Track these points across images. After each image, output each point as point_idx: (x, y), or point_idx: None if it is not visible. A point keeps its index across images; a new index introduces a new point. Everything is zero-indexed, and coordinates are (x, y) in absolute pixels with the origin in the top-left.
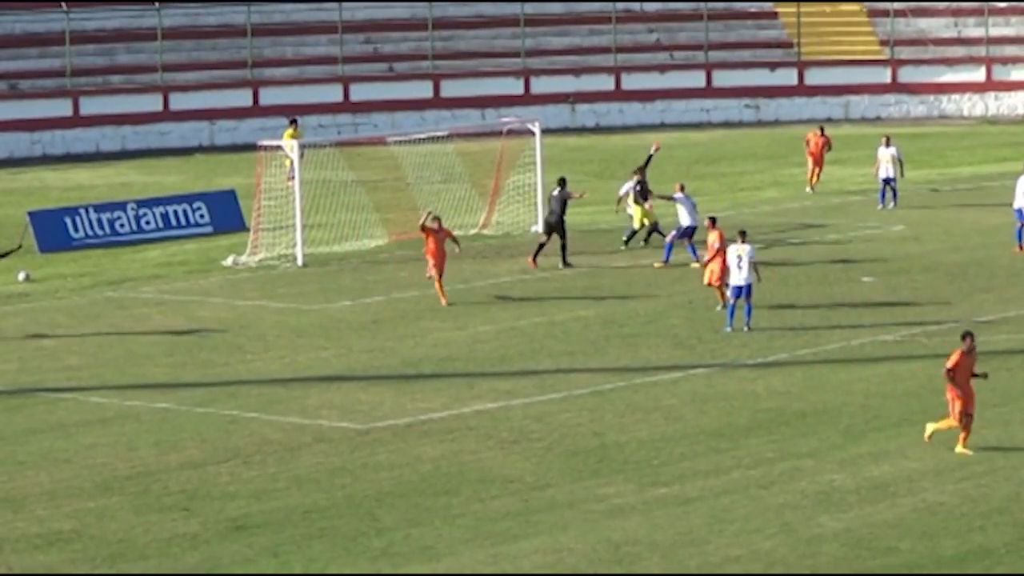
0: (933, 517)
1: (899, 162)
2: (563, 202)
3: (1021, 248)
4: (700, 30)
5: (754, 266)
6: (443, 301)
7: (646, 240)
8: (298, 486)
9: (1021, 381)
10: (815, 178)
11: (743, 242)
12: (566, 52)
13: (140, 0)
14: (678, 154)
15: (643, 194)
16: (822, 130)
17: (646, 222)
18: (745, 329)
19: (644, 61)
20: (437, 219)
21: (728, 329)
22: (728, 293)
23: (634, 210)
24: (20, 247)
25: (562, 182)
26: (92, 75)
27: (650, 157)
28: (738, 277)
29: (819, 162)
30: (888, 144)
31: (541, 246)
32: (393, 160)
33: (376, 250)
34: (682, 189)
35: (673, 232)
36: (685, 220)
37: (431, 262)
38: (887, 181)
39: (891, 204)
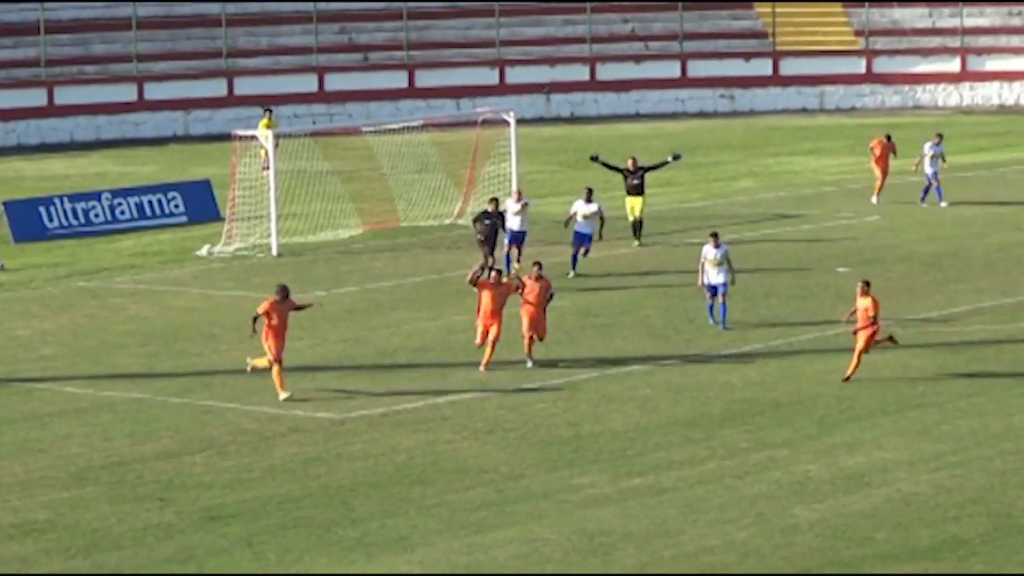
0: (908, 507)
1: (941, 157)
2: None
3: None
4: (675, 20)
5: (728, 264)
6: (483, 365)
7: (637, 234)
8: (273, 476)
9: (995, 371)
10: (881, 187)
11: (716, 243)
12: (541, 42)
13: None
14: (653, 144)
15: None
16: (888, 137)
17: (638, 213)
18: (722, 328)
19: (619, 51)
20: (497, 272)
21: (711, 322)
22: (704, 292)
23: (627, 202)
24: None
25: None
26: (66, 65)
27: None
28: (713, 277)
29: (885, 170)
30: (939, 142)
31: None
32: (368, 150)
33: (350, 240)
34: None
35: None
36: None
37: (479, 327)
38: (933, 176)
39: (941, 202)
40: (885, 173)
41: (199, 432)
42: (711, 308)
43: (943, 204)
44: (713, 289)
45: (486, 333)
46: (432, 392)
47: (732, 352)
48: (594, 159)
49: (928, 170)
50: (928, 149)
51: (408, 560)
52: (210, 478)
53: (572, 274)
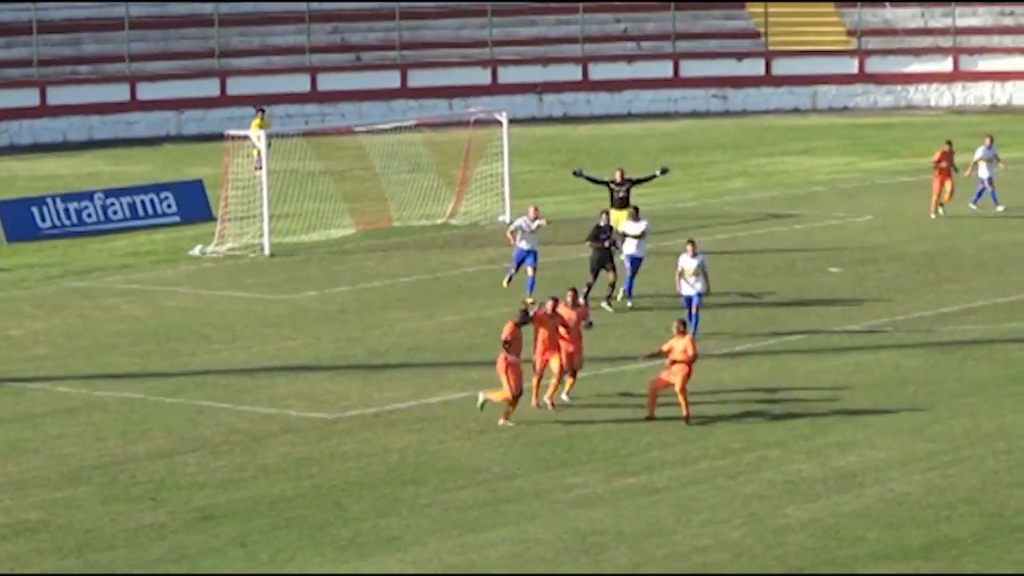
0: (900, 507)
1: (996, 158)
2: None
3: None
4: (667, 20)
5: (705, 275)
6: (549, 403)
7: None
8: (265, 476)
9: (987, 371)
10: (948, 197)
11: (694, 252)
12: (533, 42)
13: None
14: (645, 144)
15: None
16: (950, 144)
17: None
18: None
19: (611, 51)
20: (554, 300)
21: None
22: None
23: (613, 215)
24: None
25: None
26: (59, 65)
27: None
28: (688, 287)
29: (950, 176)
30: (991, 144)
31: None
32: (360, 150)
33: (343, 240)
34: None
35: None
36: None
37: (537, 362)
38: (988, 180)
39: (998, 207)
40: (951, 181)
41: (192, 432)
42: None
43: (999, 208)
44: (689, 300)
45: (544, 367)
46: (425, 392)
47: (725, 352)
48: (577, 174)
49: (984, 174)
50: (981, 153)
51: (401, 560)
52: (203, 478)
53: (629, 302)
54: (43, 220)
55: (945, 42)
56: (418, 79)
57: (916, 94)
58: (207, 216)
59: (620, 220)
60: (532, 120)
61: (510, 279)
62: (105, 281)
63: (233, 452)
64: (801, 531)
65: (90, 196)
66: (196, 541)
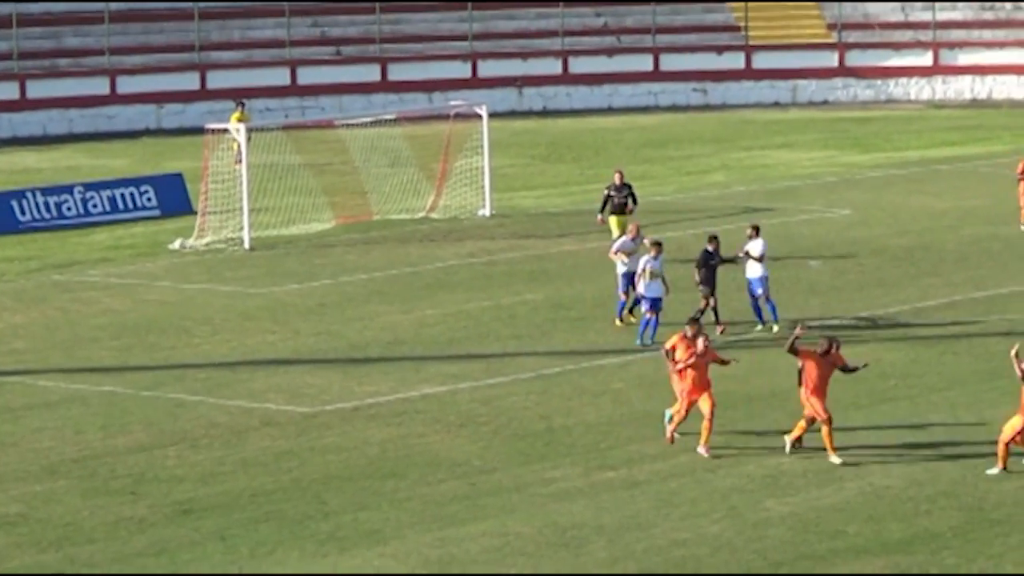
0: (880, 501)
1: None
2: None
3: None
4: (647, 13)
5: (662, 278)
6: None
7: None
8: (245, 469)
9: (967, 365)
10: None
11: (658, 254)
12: (513, 36)
13: None
14: (626, 138)
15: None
16: None
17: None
18: (650, 342)
19: (591, 45)
20: (698, 326)
21: (638, 343)
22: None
23: (612, 221)
24: None
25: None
26: (39, 58)
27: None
28: (653, 289)
29: None
30: None
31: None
32: (340, 144)
33: (323, 233)
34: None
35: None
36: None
37: (682, 403)
38: None
39: None
40: None
41: (171, 425)
42: (645, 323)
43: None
44: (652, 302)
45: (691, 407)
46: (405, 385)
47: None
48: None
49: None
50: None
51: (381, 553)
52: (182, 471)
53: (762, 326)
54: (23, 213)
55: (925, 36)
56: (398, 73)
57: (896, 88)
58: (187, 210)
59: (617, 227)
60: (512, 114)
61: (625, 311)
62: (85, 275)
63: (213, 446)
64: (781, 525)
65: (70, 190)
66: (176, 535)
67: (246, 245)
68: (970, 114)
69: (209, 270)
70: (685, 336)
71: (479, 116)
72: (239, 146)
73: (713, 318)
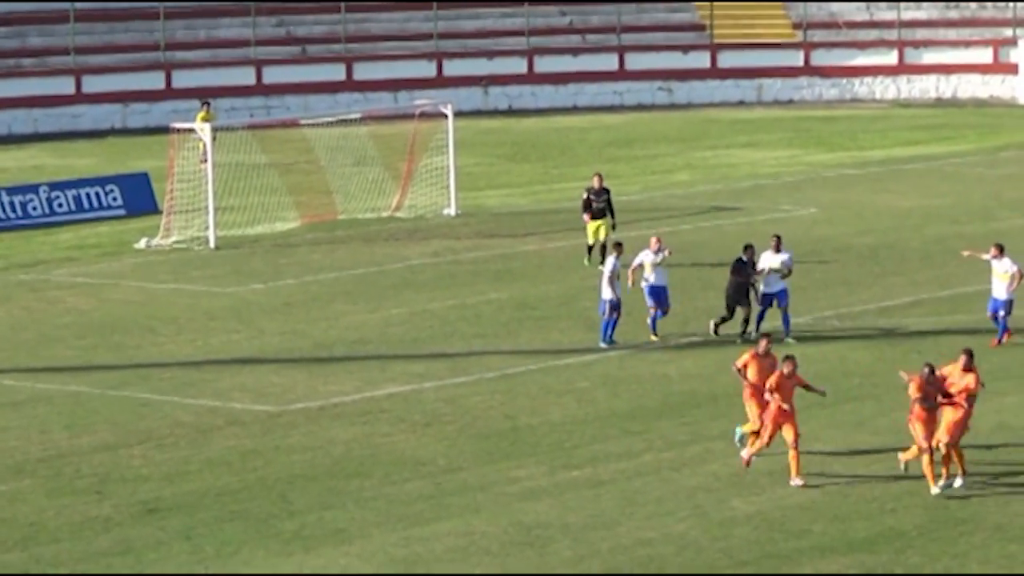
0: (845, 500)
1: None
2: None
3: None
4: (613, 13)
5: (611, 280)
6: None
7: (591, 255)
8: (210, 469)
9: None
10: None
11: (618, 255)
12: (479, 35)
13: None
14: (591, 137)
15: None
16: None
17: (602, 238)
18: (606, 343)
19: (557, 44)
20: (768, 341)
21: (603, 344)
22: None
23: (589, 225)
24: None
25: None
26: (4, 58)
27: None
28: (608, 292)
29: None
30: None
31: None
32: (305, 143)
33: (288, 233)
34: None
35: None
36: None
37: (764, 430)
38: None
39: None
40: None
41: (137, 425)
42: (606, 325)
43: None
44: (610, 304)
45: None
46: (370, 385)
47: (670, 345)
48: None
49: None
50: None
51: (346, 553)
52: (148, 471)
53: (789, 338)
54: None
55: (890, 35)
56: (363, 72)
57: (861, 87)
58: (152, 209)
59: (597, 229)
60: (477, 113)
61: (655, 324)
62: (50, 274)
63: (178, 445)
64: (746, 524)
65: (35, 189)
66: (141, 534)
67: (211, 244)
68: (935, 113)
69: (174, 269)
70: (757, 354)
71: (444, 115)
72: (204, 145)
73: (736, 327)
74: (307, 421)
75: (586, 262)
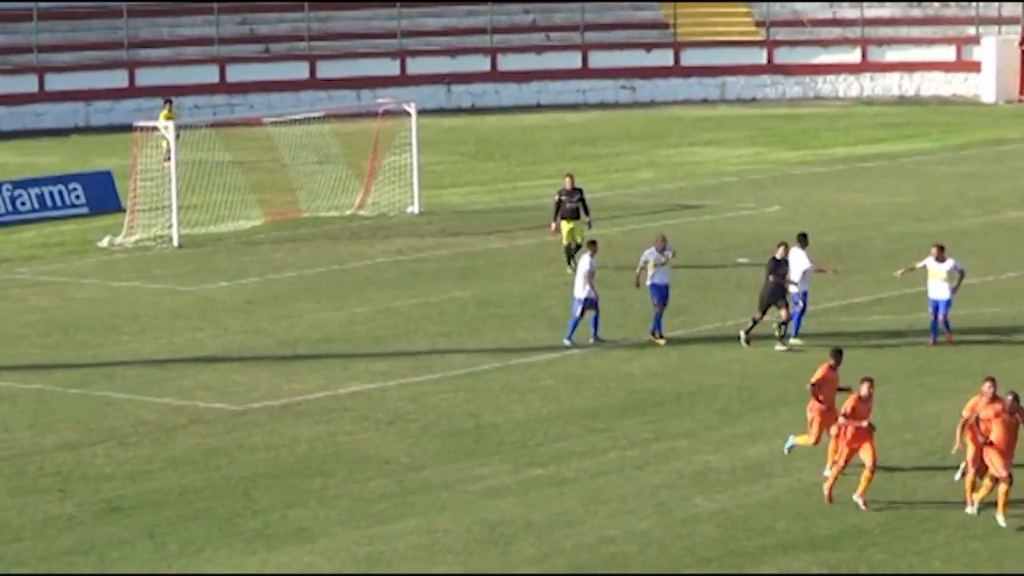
0: (808, 497)
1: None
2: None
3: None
4: (576, 11)
5: (587, 278)
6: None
7: (572, 260)
8: (174, 467)
9: (895, 361)
10: None
11: (593, 253)
12: (442, 33)
13: None
14: (554, 135)
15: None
16: None
17: (578, 239)
18: (592, 340)
19: (520, 42)
20: (838, 356)
21: (567, 341)
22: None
23: (563, 226)
24: None
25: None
26: None
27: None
28: (581, 291)
29: None
30: None
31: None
32: (269, 141)
33: (252, 231)
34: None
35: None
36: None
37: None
38: None
39: None
40: None
41: (100, 423)
42: (574, 324)
43: None
44: (584, 303)
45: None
46: (333, 383)
47: (633, 342)
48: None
49: None
50: None
51: (309, 551)
52: (111, 469)
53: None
54: None
55: (853, 33)
56: (327, 70)
57: (824, 85)
58: (116, 207)
59: (570, 230)
60: (441, 111)
61: (658, 328)
62: (14, 272)
63: (142, 444)
64: (709, 521)
65: None
66: (104, 533)
67: (175, 243)
68: (898, 111)
69: (138, 268)
70: (832, 367)
71: (408, 113)
72: (168, 144)
73: (750, 331)
74: (270, 419)
75: (568, 270)
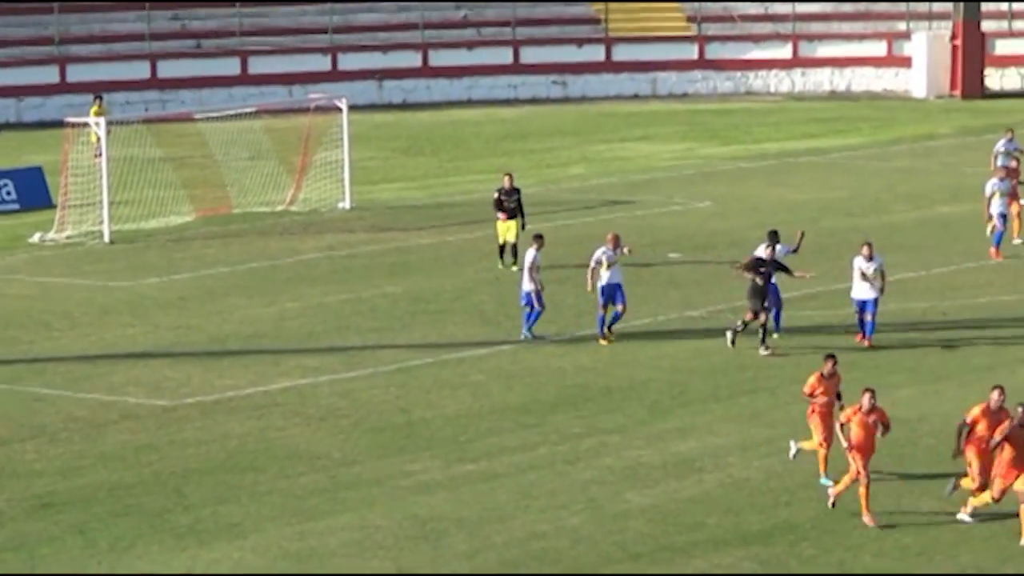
0: (739, 492)
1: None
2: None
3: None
4: (508, 7)
5: (530, 272)
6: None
7: (504, 257)
8: (104, 463)
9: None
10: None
11: (539, 248)
12: (374, 28)
13: None
14: (486, 131)
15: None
16: (1019, 162)
17: (509, 239)
18: (529, 336)
19: (452, 38)
20: (834, 363)
21: (527, 335)
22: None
23: (499, 227)
24: None
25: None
26: None
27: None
28: (529, 284)
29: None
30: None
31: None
32: (200, 137)
33: (183, 227)
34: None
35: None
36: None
37: (819, 438)
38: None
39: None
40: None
41: (30, 420)
42: (527, 316)
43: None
44: (528, 297)
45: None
46: (264, 379)
47: (564, 338)
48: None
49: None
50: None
51: (240, 547)
52: (41, 465)
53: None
54: None
55: (784, 29)
56: (258, 66)
57: (756, 80)
58: (47, 203)
59: (507, 229)
60: (372, 107)
61: (605, 327)
62: None
63: (72, 440)
64: (640, 517)
65: None
66: (35, 529)
67: (106, 239)
68: (829, 106)
69: (69, 264)
70: (823, 375)
71: (339, 109)
72: (99, 139)
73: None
74: (201, 415)
75: (500, 265)
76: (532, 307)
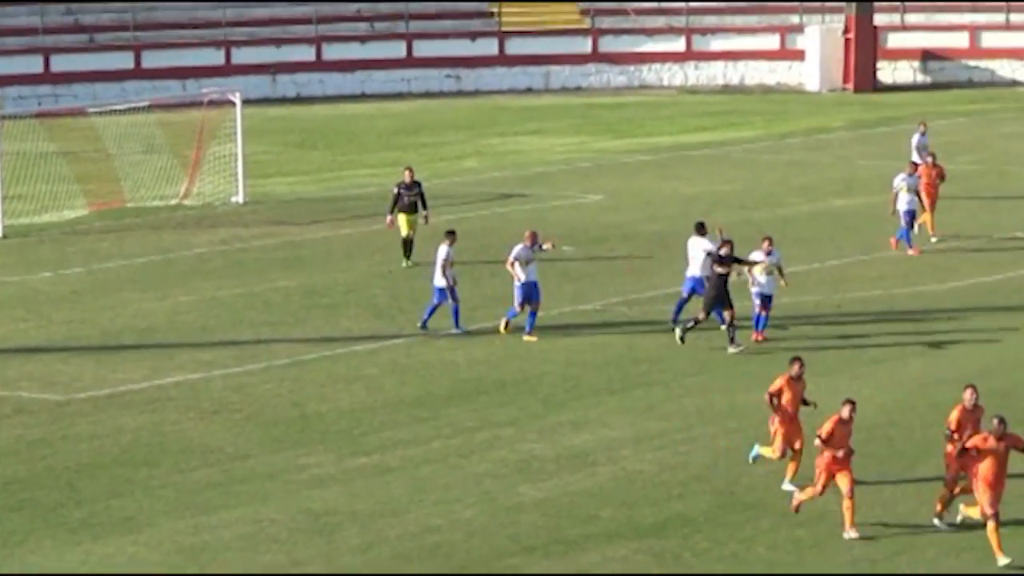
0: (632, 485)
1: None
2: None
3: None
4: (401, 0)
5: (443, 268)
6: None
7: (408, 256)
8: None
9: (719, 350)
10: (932, 220)
11: (451, 243)
12: (267, 23)
13: None
14: (379, 124)
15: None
16: (934, 157)
17: (412, 234)
18: (456, 331)
19: (345, 31)
20: (800, 365)
21: (458, 330)
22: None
23: (401, 220)
24: None
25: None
26: None
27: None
28: (441, 280)
29: (934, 200)
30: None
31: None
32: (94, 131)
33: (76, 221)
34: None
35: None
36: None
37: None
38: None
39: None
40: (933, 203)
41: None
42: (454, 312)
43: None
44: (451, 292)
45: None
46: (158, 373)
47: (456, 332)
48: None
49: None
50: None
51: (134, 541)
52: None
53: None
54: None
55: (678, 22)
56: (152, 60)
57: (649, 74)
58: None
59: (406, 225)
60: (266, 100)
61: (526, 333)
62: None
63: None
64: (534, 510)
65: None
66: None
67: None
68: (722, 99)
69: None
70: (791, 378)
71: (232, 103)
72: None
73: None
74: (95, 409)
75: (404, 264)
76: (444, 303)
